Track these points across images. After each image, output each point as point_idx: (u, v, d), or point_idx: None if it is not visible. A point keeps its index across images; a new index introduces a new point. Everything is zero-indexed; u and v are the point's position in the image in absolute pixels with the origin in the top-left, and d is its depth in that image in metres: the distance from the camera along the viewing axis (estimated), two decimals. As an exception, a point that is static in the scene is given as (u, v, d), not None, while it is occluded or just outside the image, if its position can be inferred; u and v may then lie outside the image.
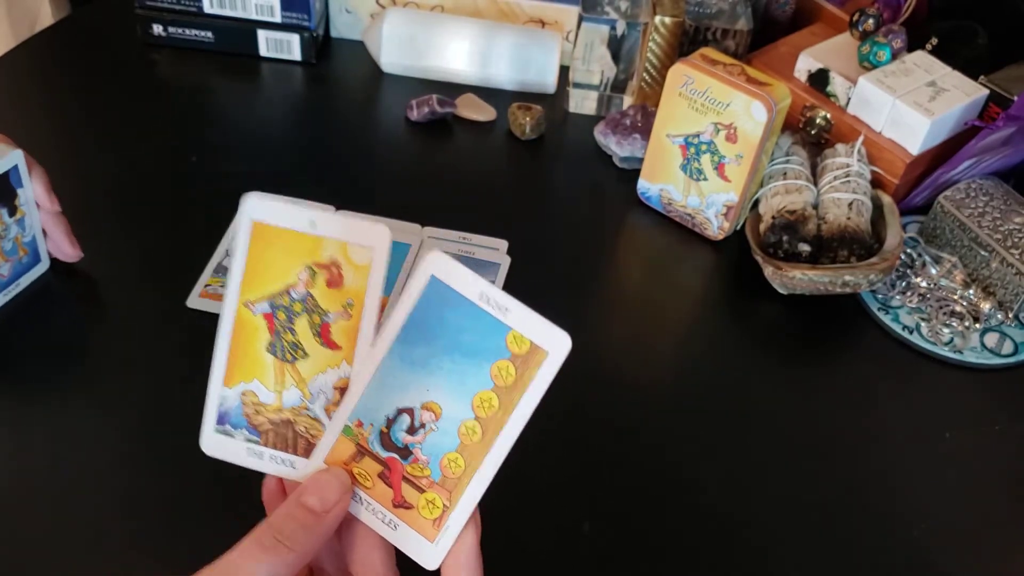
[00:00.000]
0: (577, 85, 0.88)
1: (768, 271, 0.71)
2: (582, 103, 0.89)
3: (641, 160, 0.79)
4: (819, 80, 0.81)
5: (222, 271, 0.68)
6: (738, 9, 0.87)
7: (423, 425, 0.38)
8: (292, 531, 0.35)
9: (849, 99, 0.79)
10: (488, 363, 0.36)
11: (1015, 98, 0.75)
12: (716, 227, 0.76)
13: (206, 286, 0.67)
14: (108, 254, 0.69)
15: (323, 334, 0.39)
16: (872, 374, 0.68)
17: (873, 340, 0.70)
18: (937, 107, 0.74)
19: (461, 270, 0.36)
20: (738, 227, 0.77)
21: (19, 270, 0.64)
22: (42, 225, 0.65)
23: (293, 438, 0.40)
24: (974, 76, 0.78)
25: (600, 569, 0.54)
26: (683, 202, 0.76)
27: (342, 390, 0.39)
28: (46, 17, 1.14)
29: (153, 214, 0.74)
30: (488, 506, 0.56)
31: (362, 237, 0.38)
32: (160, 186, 0.76)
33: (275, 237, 0.38)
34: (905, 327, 0.71)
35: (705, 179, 0.74)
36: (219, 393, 0.40)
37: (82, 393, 0.60)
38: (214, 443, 0.41)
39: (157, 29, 0.90)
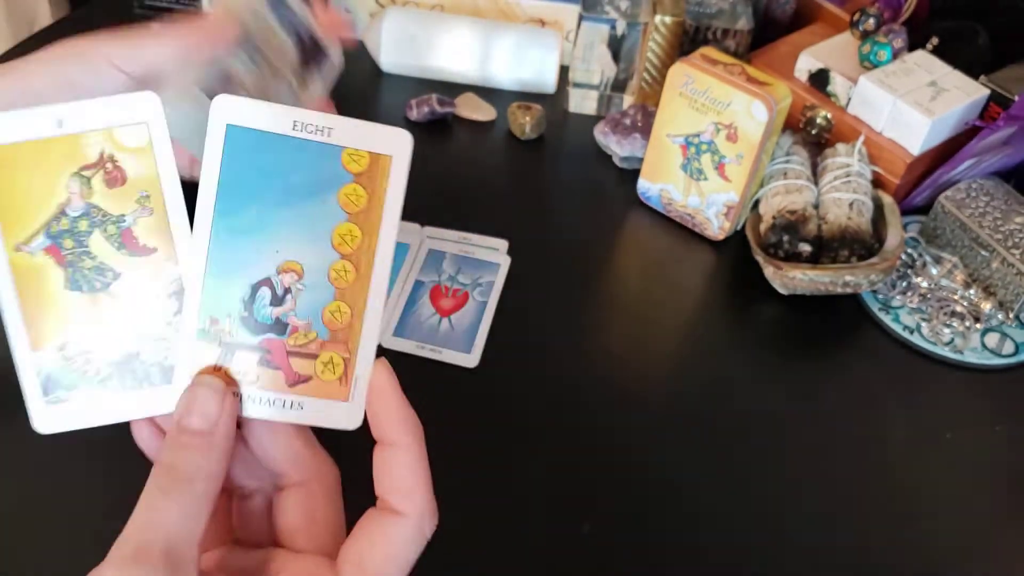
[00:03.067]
0: (577, 85, 0.88)
1: (769, 271, 0.71)
2: (582, 103, 0.89)
3: (641, 160, 0.79)
4: (820, 80, 0.81)
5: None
6: (738, 9, 0.87)
7: (287, 290, 0.32)
8: (186, 462, 0.30)
9: (850, 99, 0.79)
10: (332, 194, 0.32)
11: (1016, 98, 0.75)
12: (716, 227, 0.76)
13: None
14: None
15: (127, 242, 0.32)
16: (873, 374, 0.68)
17: (874, 340, 0.70)
18: (938, 107, 0.74)
19: (259, 106, 0.31)
20: (739, 227, 0.77)
21: None
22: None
23: (145, 370, 0.33)
24: (975, 76, 0.78)
25: (600, 569, 0.54)
26: (683, 202, 0.76)
27: (179, 296, 0.33)
28: (44, 17, 1.14)
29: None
30: (488, 506, 0.56)
31: (127, 114, 0.31)
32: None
33: (18, 155, 0.31)
34: (906, 327, 0.70)
35: (705, 179, 0.74)
36: (30, 361, 0.32)
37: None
38: (50, 418, 0.33)
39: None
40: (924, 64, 0.78)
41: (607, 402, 0.63)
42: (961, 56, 0.80)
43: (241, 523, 0.35)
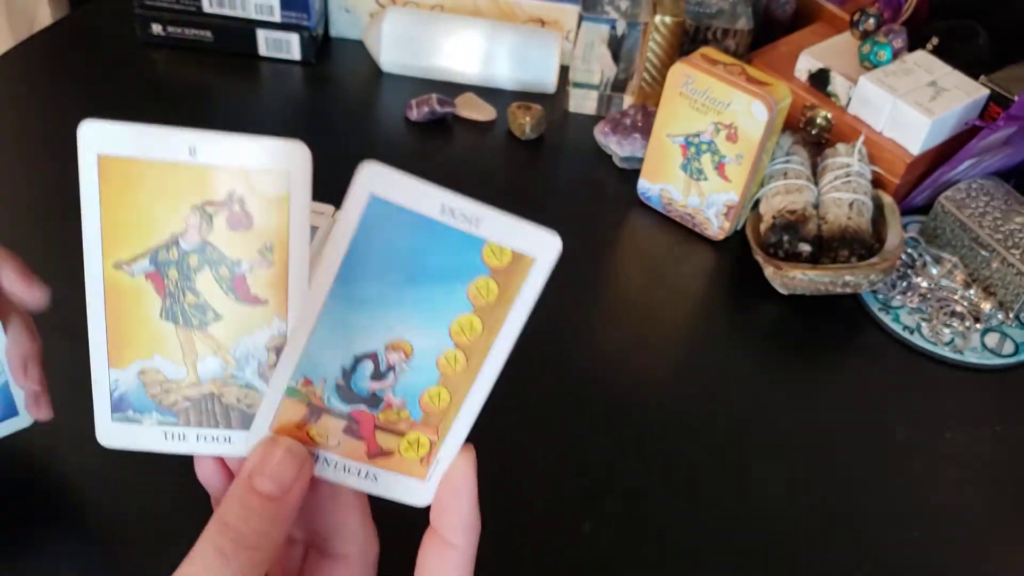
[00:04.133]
0: (577, 85, 0.88)
1: (769, 271, 0.71)
2: (582, 103, 0.89)
3: (641, 160, 0.79)
4: (820, 80, 0.81)
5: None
6: (738, 8, 0.87)
7: (392, 367, 0.31)
8: (253, 528, 0.28)
9: (850, 99, 0.79)
10: (463, 284, 0.29)
11: (1015, 98, 0.75)
12: (716, 227, 0.76)
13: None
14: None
15: (237, 288, 0.30)
16: (872, 374, 0.68)
17: (874, 340, 0.70)
18: (938, 107, 0.74)
19: (410, 182, 0.29)
20: (739, 227, 0.77)
21: None
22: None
23: (224, 412, 0.32)
24: (975, 76, 0.78)
25: (600, 569, 0.54)
26: (683, 202, 0.76)
27: (279, 350, 0.31)
28: (45, 17, 1.14)
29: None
30: (490, 506, 0.56)
31: (269, 159, 0.29)
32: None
33: (141, 174, 0.29)
34: (906, 327, 0.70)
35: (705, 179, 0.74)
36: (108, 378, 0.31)
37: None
38: (115, 433, 0.32)
39: (156, 28, 0.89)
40: (924, 64, 0.78)
41: (607, 402, 0.63)
42: (961, 56, 0.80)
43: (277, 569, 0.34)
